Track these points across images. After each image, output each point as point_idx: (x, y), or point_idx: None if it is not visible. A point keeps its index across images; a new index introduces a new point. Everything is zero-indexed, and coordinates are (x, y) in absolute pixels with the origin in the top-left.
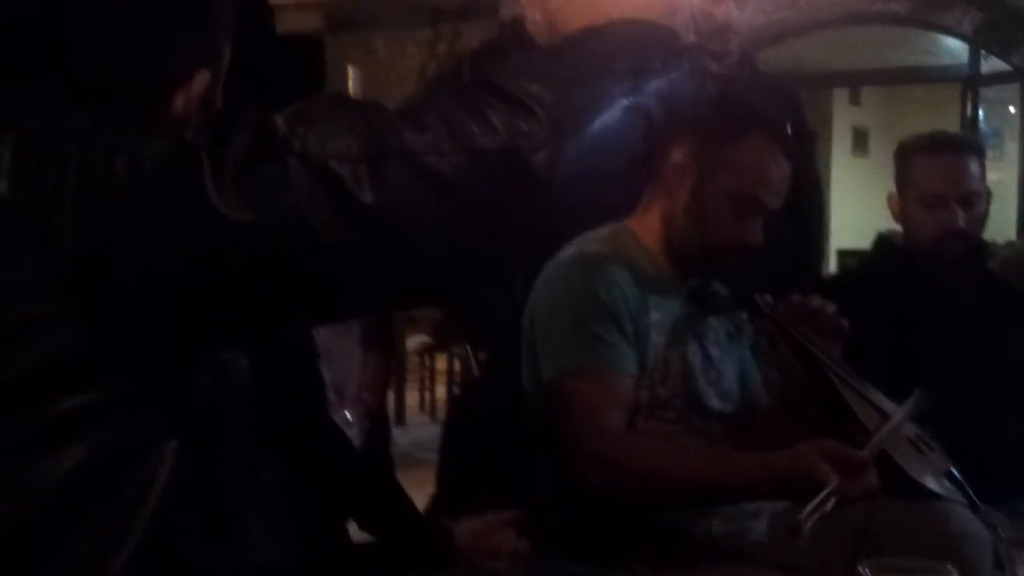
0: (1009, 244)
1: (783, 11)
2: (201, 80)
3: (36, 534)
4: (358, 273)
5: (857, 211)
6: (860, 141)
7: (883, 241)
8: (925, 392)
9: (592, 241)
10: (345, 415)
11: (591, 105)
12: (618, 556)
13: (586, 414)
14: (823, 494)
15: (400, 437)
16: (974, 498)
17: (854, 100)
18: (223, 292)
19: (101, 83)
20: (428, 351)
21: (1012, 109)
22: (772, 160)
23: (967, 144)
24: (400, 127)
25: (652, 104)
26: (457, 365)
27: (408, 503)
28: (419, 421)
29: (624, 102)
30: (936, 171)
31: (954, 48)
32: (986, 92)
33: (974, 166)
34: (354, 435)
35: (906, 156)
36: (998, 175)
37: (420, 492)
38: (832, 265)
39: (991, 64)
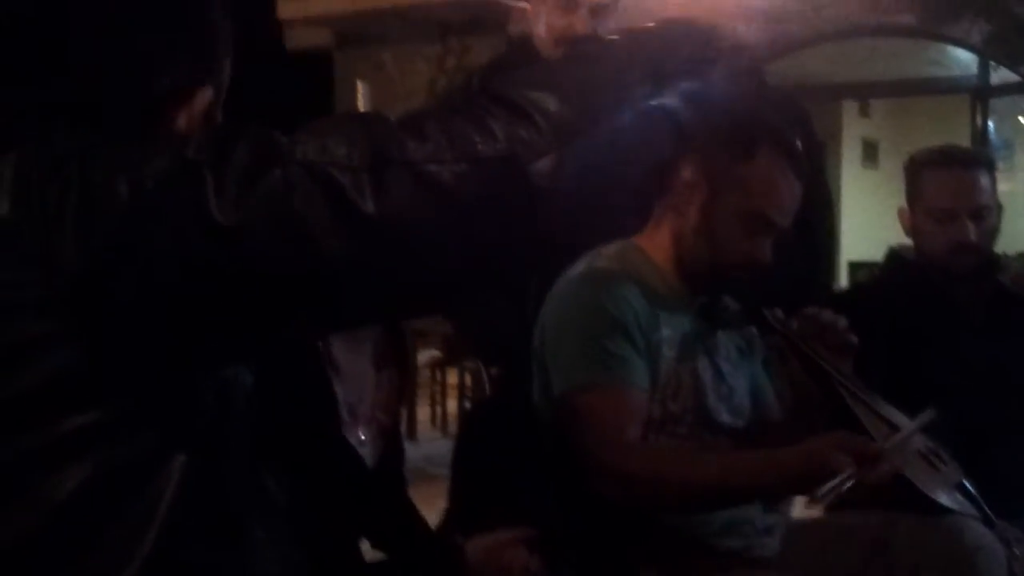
0: (1021, 256)
1: (791, 24)
2: (203, 97)
3: (41, 554)
4: (359, 281)
5: (867, 222)
6: (870, 153)
7: (894, 255)
8: (938, 408)
9: (601, 257)
10: (358, 434)
11: (601, 111)
12: (630, 573)
13: (601, 428)
14: (841, 477)
15: (412, 452)
16: (988, 512)
17: (863, 112)
18: (224, 305)
19: (101, 100)
20: (439, 365)
21: (1022, 120)
22: (783, 179)
23: (977, 158)
24: (401, 136)
25: (680, 107)
26: (468, 379)
27: (420, 521)
28: (431, 436)
29: (644, 106)
30: (947, 185)
31: (963, 59)
32: (996, 103)
33: (984, 180)
34: (367, 454)
35: (916, 170)
36: (1009, 186)
37: (432, 507)
38: (843, 277)
39: (1000, 75)
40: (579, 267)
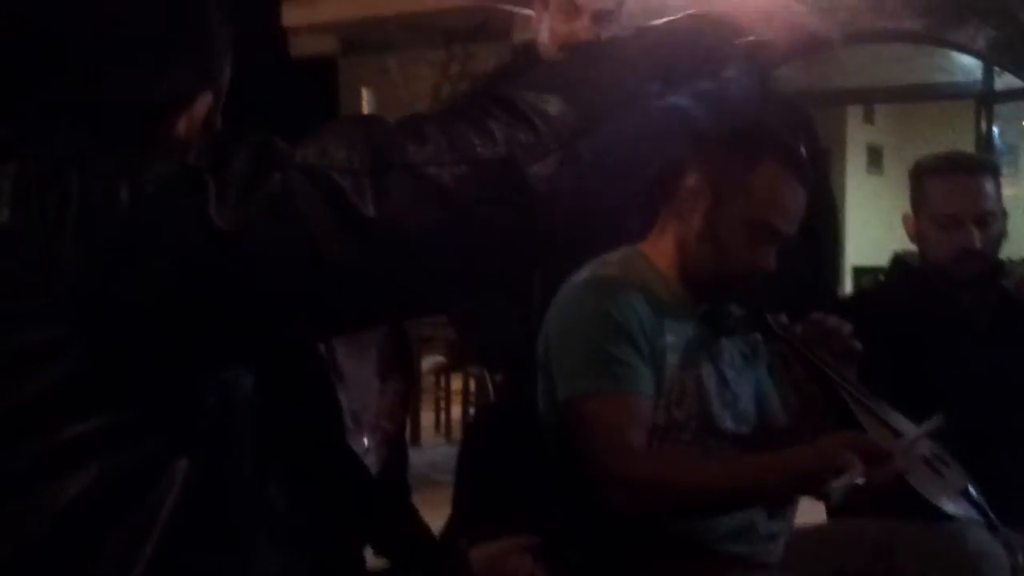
0: None
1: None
2: (203, 103)
3: (43, 560)
4: (360, 284)
5: (872, 228)
6: (875, 158)
7: (899, 261)
8: (944, 415)
9: (606, 264)
10: (363, 441)
11: (605, 112)
12: None
13: (606, 435)
14: (849, 475)
15: (415, 458)
16: (993, 518)
17: (868, 118)
18: (224, 308)
19: (101, 103)
20: (443, 371)
21: None
22: (787, 187)
23: (982, 164)
24: (401, 139)
25: (694, 106)
26: (473, 385)
27: (424, 529)
28: (435, 442)
29: (654, 106)
30: (951, 192)
31: (967, 65)
32: (1000, 108)
33: (989, 186)
34: (371, 462)
35: (921, 177)
36: (1013, 191)
37: (436, 513)
38: (847, 283)
39: (1005, 81)
40: (583, 274)
